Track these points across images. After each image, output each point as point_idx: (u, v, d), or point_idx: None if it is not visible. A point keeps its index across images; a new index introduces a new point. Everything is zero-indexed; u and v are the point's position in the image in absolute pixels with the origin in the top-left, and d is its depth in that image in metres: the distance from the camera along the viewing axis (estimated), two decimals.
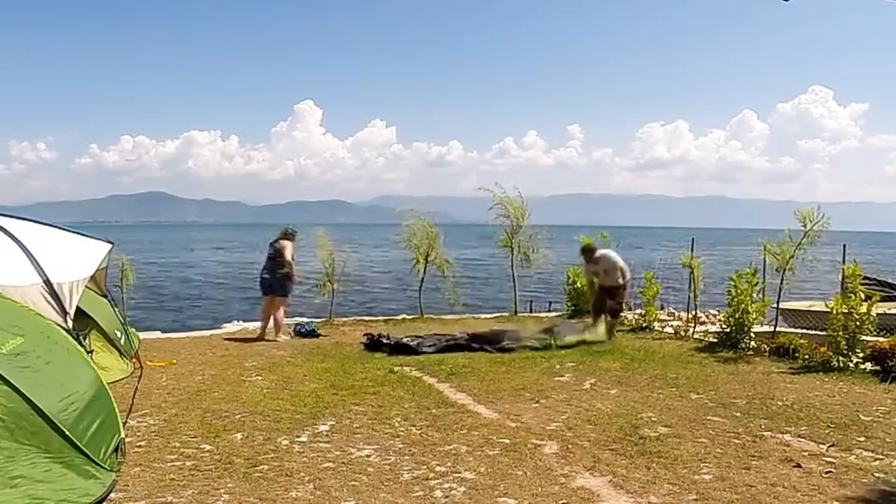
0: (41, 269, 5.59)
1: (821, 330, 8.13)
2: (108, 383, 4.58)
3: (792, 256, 8.11)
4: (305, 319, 10.56)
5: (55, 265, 5.72)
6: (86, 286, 6.26)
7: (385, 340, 8.34)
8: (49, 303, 5.49)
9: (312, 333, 9.56)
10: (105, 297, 7.41)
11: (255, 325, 10.35)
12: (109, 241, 7.17)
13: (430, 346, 8.26)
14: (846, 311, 7.14)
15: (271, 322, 9.41)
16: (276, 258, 9.30)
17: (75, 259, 6.28)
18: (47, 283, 5.55)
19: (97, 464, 3.73)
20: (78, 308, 5.97)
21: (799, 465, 4.15)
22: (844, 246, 9.68)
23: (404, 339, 8.39)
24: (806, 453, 4.40)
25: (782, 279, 8.34)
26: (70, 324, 5.54)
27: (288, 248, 9.33)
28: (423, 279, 11.84)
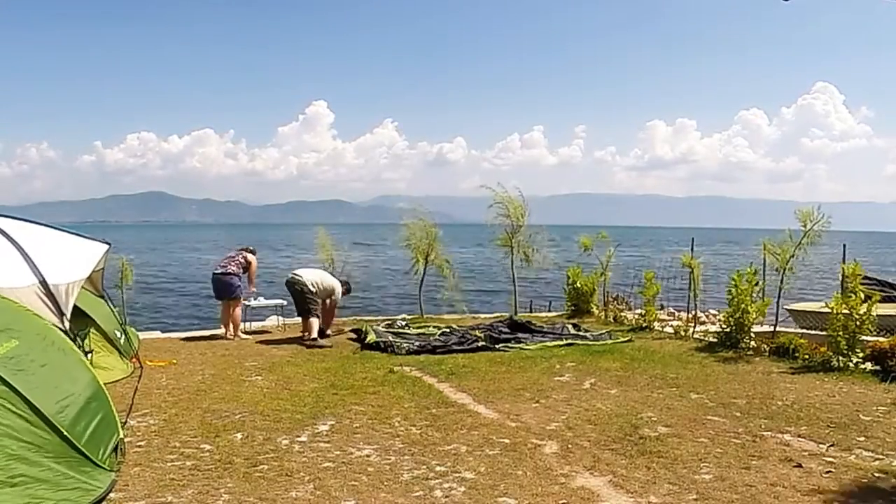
0: (37, 269, 5.55)
1: (823, 330, 8.13)
2: (108, 383, 4.58)
3: (792, 256, 8.11)
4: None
5: (52, 266, 5.69)
6: (82, 287, 6.24)
7: (399, 349, 8.15)
8: (45, 304, 5.45)
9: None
10: (102, 297, 7.39)
11: (257, 325, 10.37)
12: (107, 242, 7.15)
13: (445, 344, 8.36)
14: (846, 311, 7.14)
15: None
16: (245, 268, 9.47)
17: (72, 260, 6.25)
18: (44, 283, 5.52)
19: (96, 464, 3.73)
20: (77, 308, 5.94)
21: (799, 465, 4.15)
22: (845, 246, 9.68)
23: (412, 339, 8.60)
24: (806, 453, 4.40)
25: (782, 279, 8.33)
26: (67, 325, 5.52)
27: (254, 262, 9.62)
28: (422, 279, 11.85)
